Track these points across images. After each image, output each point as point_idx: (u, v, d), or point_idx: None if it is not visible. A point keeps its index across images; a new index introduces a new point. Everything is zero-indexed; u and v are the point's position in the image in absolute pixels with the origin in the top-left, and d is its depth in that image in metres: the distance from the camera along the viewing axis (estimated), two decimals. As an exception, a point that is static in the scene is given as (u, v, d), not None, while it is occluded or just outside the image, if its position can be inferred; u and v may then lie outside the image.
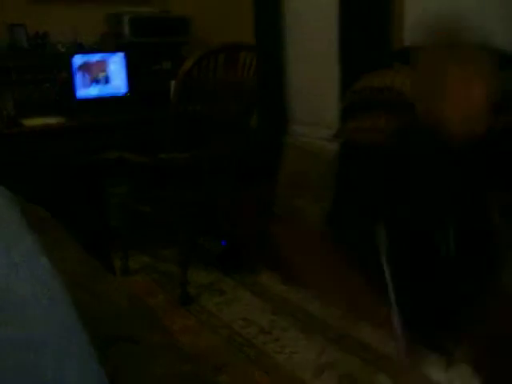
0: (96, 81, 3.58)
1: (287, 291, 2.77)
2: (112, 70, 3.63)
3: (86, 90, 3.55)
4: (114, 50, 3.66)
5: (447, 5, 2.90)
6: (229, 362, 2.22)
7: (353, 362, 2.19)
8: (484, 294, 1.44)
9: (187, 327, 2.49)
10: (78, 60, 3.51)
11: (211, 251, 3.16)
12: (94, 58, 3.57)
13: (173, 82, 3.27)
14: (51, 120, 3.30)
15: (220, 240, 3.11)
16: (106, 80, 3.63)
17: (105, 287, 0.90)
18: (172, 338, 0.98)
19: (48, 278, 0.46)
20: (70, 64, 3.47)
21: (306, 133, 3.87)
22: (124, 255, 3.02)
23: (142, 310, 0.94)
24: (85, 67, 3.54)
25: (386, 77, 2.76)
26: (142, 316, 0.92)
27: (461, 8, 2.81)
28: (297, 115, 4.05)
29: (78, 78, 3.52)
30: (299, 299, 2.67)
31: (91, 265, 0.97)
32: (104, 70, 3.61)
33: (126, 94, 3.70)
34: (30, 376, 0.40)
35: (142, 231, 3.19)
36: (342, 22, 3.38)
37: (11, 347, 0.40)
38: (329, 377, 2.11)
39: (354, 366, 2.16)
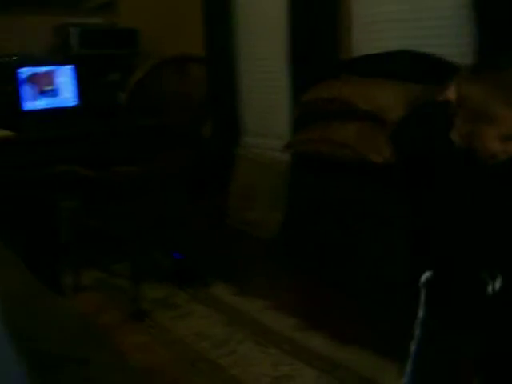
0: (44, 93, 3.51)
1: (241, 303, 2.75)
2: (60, 82, 3.57)
3: (34, 103, 3.48)
4: (62, 61, 3.60)
5: (394, 16, 2.97)
6: (182, 377, 2.18)
7: (309, 373, 2.19)
8: None
9: (140, 343, 2.44)
10: (25, 72, 3.43)
11: (164, 265, 3.12)
12: (42, 69, 3.50)
13: (122, 94, 3.24)
14: (-3, 133, 3.22)
15: (173, 254, 3.08)
16: (54, 92, 3.56)
17: (49, 308, 0.87)
18: (121, 357, 0.96)
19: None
20: (16, 76, 3.39)
21: (257, 144, 3.89)
22: (75, 271, 2.95)
23: (91, 329, 0.91)
24: (32, 79, 3.47)
25: (333, 88, 2.80)
26: (91, 335, 0.90)
27: (410, 20, 2.89)
28: (248, 127, 4.07)
29: (26, 90, 3.44)
30: (254, 311, 2.66)
31: (34, 285, 0.93)
32: (52, 82, 3.54)
33: (77, 105, 3.64)
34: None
35: (93, 246, 3.12)
36: (292, 34, 3.41)
37: None
38: (285, 388, 2.10)
39: (310, 377, 2.16)
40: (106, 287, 3.02)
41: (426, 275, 1.49)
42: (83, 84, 3.65)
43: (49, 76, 3.54)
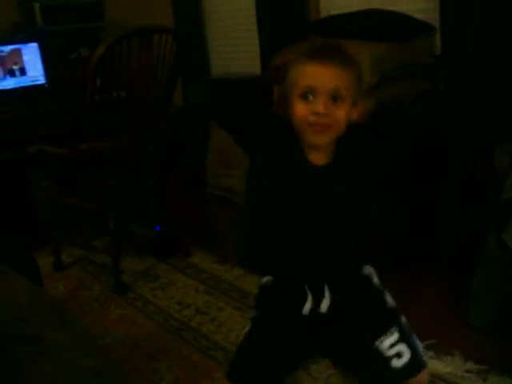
0: (11, 72, 3.46)
1: (220, 270, 2.79)
2: (27, 61, 3.52)
3: (2, 83, 3.44)
4: (27, 39, 3.54)
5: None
6: (165, 347, 2.22)
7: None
8: None
9: (123, 316, 2.48)
10: (-10, 52, 3.38)
11: (144, 237, 3.14)
12: (7, 48, 3.45)
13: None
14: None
15: (152, 225, 3.09)
16: (22, 71, 3.51)
17: None
18: (82, 334, 0.98)
19: None
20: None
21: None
22: (55, 250, 2.96)
23: (47, 307, 0.93)
24: (-2, 59, 3.42)
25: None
26: (46, 313, 0.91)
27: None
28: (222, 94, 4.05)
29: (-8, 70, 3.40)
30: (232, 278, 2.70)
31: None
32: (18, 61, 3.50)
33: (45, 83, 3.60)
34: None
35: (71, 224, 3.13)
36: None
37: None
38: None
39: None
40: (87, 263, 3.04)
41: (265, 280, 1.43)
42: (51, 61, 3.61)
43: (14, 55, 3.48)
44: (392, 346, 1.29)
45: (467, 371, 1.89)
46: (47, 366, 0.76)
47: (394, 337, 1.30)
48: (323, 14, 3.29)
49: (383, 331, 1.30)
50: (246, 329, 1.39)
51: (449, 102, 2.51)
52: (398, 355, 1.28)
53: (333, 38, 2.88)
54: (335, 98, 1.18)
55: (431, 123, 2.54)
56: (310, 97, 1.19)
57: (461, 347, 2.00)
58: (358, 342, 1.31)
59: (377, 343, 1.29)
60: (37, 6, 3.48)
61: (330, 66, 1.18)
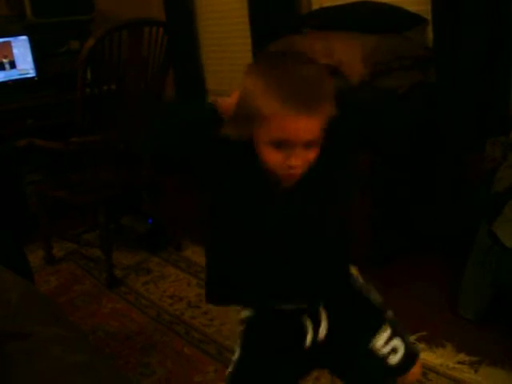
0: (0, 66, 3.43)
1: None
2: (17, 54, 3.49)
3: (-9, 76, 3.41)
4: (17, 32, 3.51)
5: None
6: (158, 341, 2.22)
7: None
8: None
9: (115, 310, 2.47)
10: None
11: (136, 231, 3.13)
12: (-3, 41, 3.42)
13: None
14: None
15: (144, 219, 3.09)
16: (12, 64, 3.48)
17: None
18: (72, 329, 0.97)
19: None
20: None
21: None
22: (47, 244, 2.95)
23: (36, 302, 0.92)
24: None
25: (292, 43, 2.77)
26: (36, 309, 0.90)
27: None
28: (212, 87, 4.05)
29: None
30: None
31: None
32: (8, 55, 3.46)
33: (35, 77, 3.57)
34: None
35: (62, 217, 3.12)
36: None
37: None
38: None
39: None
40: (79, 258, 3.03)
41: (246, 313, 1.26)
42: (41, 54, 3.58)
43: (5, 48, 3.45)
44: (386, 342, 1.25)
45: (459, 362, 1.90)
46: (37, 361, 0.76)
47: (388, 333, 1.25)
48: (315, 6, 3.27)
49: (376, 330, 1.25)
50: (230, 369, 1.26)
51: (441, 93, 2.51)
52: (394, 350, 1.25)
53: (325, 30, 2.87)
54: (309, 145, 1.06)
55: (423, 115, 2.55)
56: (284, 145, 1.05)
57: (452, 339, 2.01)
58: (355, 349, 1.25)
59: (371, 344, 1.24)
60: (27, -2, 3.44)
61: (305, 116, 1.02)
